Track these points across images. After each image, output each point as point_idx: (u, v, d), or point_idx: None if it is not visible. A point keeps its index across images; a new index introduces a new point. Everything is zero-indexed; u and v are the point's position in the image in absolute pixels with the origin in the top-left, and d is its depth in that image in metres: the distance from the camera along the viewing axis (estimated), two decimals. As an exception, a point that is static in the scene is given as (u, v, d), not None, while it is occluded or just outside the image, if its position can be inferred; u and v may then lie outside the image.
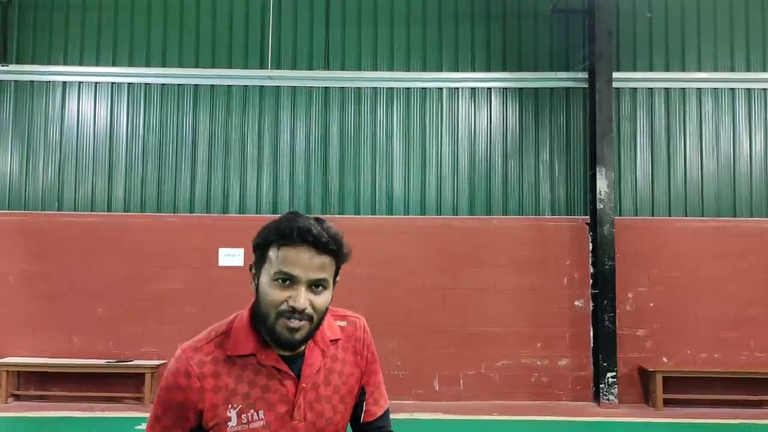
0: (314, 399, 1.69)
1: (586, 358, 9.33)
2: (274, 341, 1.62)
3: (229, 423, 1.62)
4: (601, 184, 9.26)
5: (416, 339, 9.28)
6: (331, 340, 1.77)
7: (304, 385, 1.68)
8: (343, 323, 1.84)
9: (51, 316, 9.29)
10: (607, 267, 9.18)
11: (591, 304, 9.35)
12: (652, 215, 9.59)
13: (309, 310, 1.60)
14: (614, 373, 9.04)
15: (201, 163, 9.70)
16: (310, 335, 1.65)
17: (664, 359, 9.28)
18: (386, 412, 1.87)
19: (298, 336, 1.61)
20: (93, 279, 9.34)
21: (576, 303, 9.40)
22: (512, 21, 9.90)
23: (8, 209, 9.58)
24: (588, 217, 9.52)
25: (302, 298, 1.58)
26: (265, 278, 1.61)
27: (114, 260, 9.38)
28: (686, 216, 9.57)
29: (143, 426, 7.76)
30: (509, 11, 9.91)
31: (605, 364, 9.06)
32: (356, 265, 9.42)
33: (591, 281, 9.37)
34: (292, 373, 1.67)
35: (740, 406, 8.96)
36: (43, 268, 9.37)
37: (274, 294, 1.59)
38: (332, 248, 1.61)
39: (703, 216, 9.56)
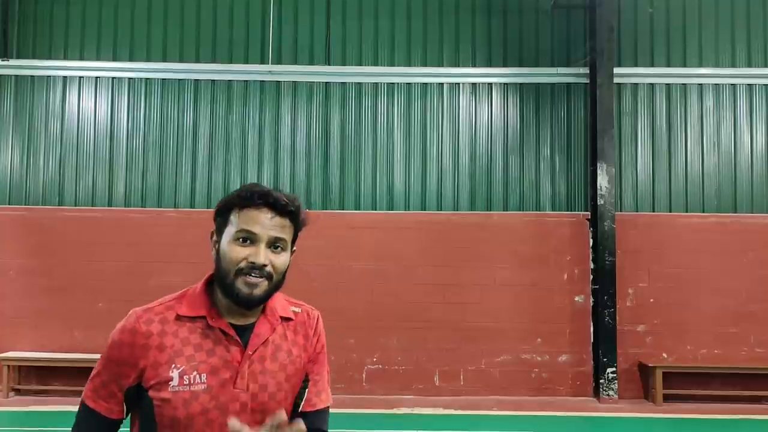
0: (259, 371, 1.69)
1: (586, 354, 9.34)
2: (233, 299, 1.66)
3: (170, 383, 1.62)
4: (602, 180, 9.25)
5: (416, 334, 9.29)
6: (282, 317, 1.78)
7: (250, 353, 1.68)
8: (298, 309, 1.84)
9: (52, 311, 9.30)
10: (607, 263, 9.18)
11: (591, 299, 9.36)
12: (653, 211, 9.59)
13: (268, 268, 1.66)
14: (614, 369, 9.05)
15: (202, 158, 9.70)
16: (268, 295, 1.69)
17: (664, 355, 9.29)
18: (325, 410, 1.83)
19: (257, 292, 1.65)
20: (94, 274, 9.35)
21: (576, 299, 9.41)
22: (513, 16, 9.88)
23: (9, 204, 9.59)
24: (588, 212, 9.52)
25: (262, 255, 1.65)
26: (226, 239, 1.69)
27: (115, 255, 9.38)
28: (687, 212, 9.56)
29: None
30: (510, 6, 9.89)
31: (605, 359, 9.07)
32: (357, 261, 9.51)
33: (591, 277, 9.37)
34: (239, 340, 1.68)
35: (740, 401, 8.98)
36: (44, 263, 9.38)
37: (234, 252, 1.66)
38: (290, 209, 1.69)
39: (704, 212, 9.56)
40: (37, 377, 9.24)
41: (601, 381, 9.05)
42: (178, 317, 1.69)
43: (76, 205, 9.59)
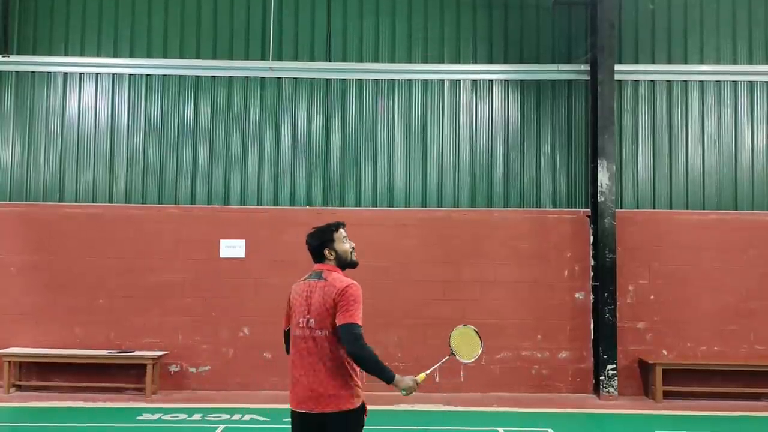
0: None
1: (587, 351, 9.35)
2: (353, 266, 3.87)
3: None
4: (603, 177, 9.25)
5: (417, 330, 9.30)
6: None
7: None
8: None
9: (52, 307, 9.31)
10: (607, 259, 9.18)
11: (591, 296, 9.36)
12: (653, 208, 9.59)
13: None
14: (614, 366, 9.06)
15: (202, 155, 9.70)
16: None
17: (664, 352, 9.30)
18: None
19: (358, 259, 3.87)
20: (94, 270, 9.36)
21: (576, 295, 9.41)
22: (514, 12, 9.87)
23: (10, 200, 9.59)
24: (589, 209, 9.52)
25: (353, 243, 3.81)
26: (340, 245, 3.74)
27: (115, 251, 9.39)
28: (687, 209, 9.56)
29: (145, 416, 7.81)
30: (511, 2, 9.87)
31: (605, 356, 9.07)
32: (357, 257, 9.45)
33: (592, 274, 9.37)
34: None
35: (740, 398, 8.99)
36: (45, 259, 9.39)
37: (348, 245, 3.78)
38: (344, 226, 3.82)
39: (704, 209, 9.55)
40: (37, 373, 9.24)
41: (601, 378, 9.06)
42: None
43: (76, 202, 9.59)
